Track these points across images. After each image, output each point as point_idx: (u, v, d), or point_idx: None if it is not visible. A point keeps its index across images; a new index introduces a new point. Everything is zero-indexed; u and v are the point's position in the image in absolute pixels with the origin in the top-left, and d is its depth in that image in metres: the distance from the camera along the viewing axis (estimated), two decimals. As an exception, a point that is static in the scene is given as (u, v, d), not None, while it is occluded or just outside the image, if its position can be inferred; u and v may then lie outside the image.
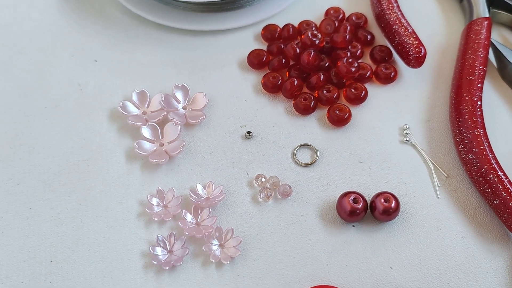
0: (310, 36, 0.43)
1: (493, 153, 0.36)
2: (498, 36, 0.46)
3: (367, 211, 0.36)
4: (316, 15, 0.47)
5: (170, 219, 0.36)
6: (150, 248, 0.35)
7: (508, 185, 0.35)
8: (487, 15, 0.44)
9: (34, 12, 0.47)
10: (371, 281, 0.34)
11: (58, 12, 0.47)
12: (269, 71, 0.43)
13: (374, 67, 0.44)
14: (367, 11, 0.47)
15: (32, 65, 0.44)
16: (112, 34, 0.46)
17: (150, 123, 0.40)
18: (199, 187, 0.37)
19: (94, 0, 0.48)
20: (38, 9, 0.47)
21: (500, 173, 0.35)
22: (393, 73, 0.43)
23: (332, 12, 0.47)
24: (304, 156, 0.39)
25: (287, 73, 0.43)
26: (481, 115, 0.38)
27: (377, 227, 0.36)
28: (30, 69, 0.44)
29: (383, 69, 0.43)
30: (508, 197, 0.34)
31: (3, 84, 0.43)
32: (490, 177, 0.35)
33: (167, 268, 0.34)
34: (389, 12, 0.44)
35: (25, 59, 0.44)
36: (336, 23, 0.45)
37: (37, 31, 0.46)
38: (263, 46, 0.45)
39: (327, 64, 0.43)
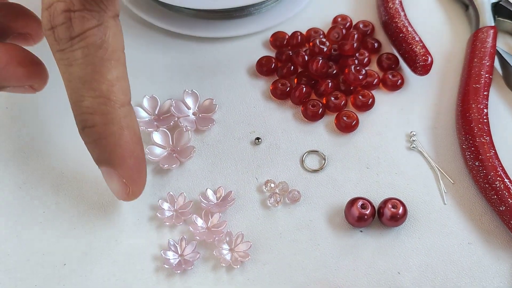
0: (318, 44, 0.44)
1: (499, 160, 0.37)
2: (503, 44, 0.46)
3: (375, 216, 0.37)
4: (324, 23, 0.48)
5: (181, 223, 0.37)
6: (162, 252, 0.35)
7: (514, 192, 0.36)
8: (493, 24, 0.45)
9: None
10: (379, 286, 0.35)
11: (70, 18, 0.48)
12: (277, 78, 0.44)
13: (381, 74, 0.44)
14: (374, 19, 0.48)
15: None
16: (123, 40, 0.47)
17: (161, 129, 0.40)
18: (210, 192, 0.38)
19: (105, 7, 0.49)
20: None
21: (506, 180, 0.36)
22: (400, 81, 0.43)
23: (339, 20, 0.47)
24: (313, 162, 0.40)
25: (296, 80, 0.44)
26: (487, 122, 0.39)
27: (385, 233, 0.37)
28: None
29: (390, 77, 0.43)
30: (514, 204, 0.35)
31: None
32: (496, 184, 0.36)
33: (178, 271, 0.35)
34: (396, 20, 0.45)
35: (37, 65, 0.45)
36: (344, 31, 0.46)
37: (45, 38, 0.47)
38: (272, 53, 0.46)
39: (335, 71, 0.44)
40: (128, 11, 0.48)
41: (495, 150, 0.38)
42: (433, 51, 0.44)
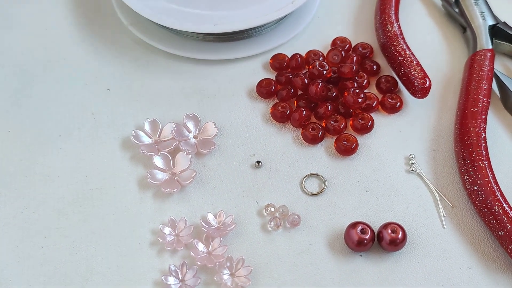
0: (318, 67, 0.44)
1: (497, 185, 0.37)
2: (501, 66, 0.47)
3: (375, 241, 0.37)
4: (323, 45, 0.48)
5: (182, 248, 0.37)
6: (163, 277, 0.35)
7: (513, 217, 0.36)
8: (490, 46, 0.45)
9: (49, 42, 0.48)
10: (379, 311, 0.35)
11: (72, 41, 0.48)
12: (277, 101, 0.44)
13: (380, 96, 0.45)
14: (373, 41, 0.48)
15: (46, 94, 0.45)
16: (124, 63, 0.47)
17: (162, 152, 0.41)
18: (210, 217, 0.38)
19: (107, 30, 0.49)
20: (53, 39, 0.49)
21: (505, 205, 0.36)
22: (398, 103, 0.44)
23: (338, 42, 0.48)
24: (312, 185, 0.40)
25: (296, 102, 0.44)
26: (486, 146, 0.39)
27: (385, 257, 0.37)
28: (44, 98, 0.45)
29: (389, 99, 0.44)
30: (512, 229, 0.35)
31: (18, 113, 0.44)
32: (495, 209, 0.36)
33: (179, 297, 0.35)
34: (394, 43, 0.45)
35: (39, 88, 0.45)
36: (343, 53, 0.46)
37: (51, 60, 0.47)
38: (272, 75, 0.46)
39: (334, 94, 0.44)
40: (129, 33, 0.49)
41: (493, 174, 0.38)
42: (431, 73, 0.44)
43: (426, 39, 0.49)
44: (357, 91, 0.43)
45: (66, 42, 0.48)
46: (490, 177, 0.37)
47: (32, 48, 0.48)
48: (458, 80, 0.46)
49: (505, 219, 0.36)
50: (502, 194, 0.37)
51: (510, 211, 0.36)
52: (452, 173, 0.41)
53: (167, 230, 0.38)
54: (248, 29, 0.46)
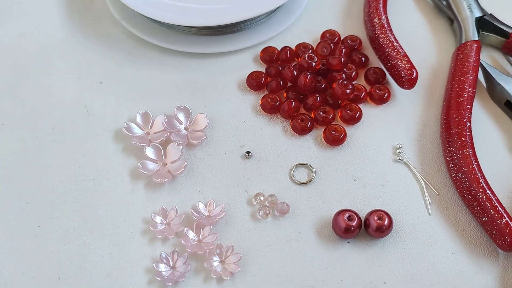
0: (307, 59, 0.45)
1: (481, 172, 0.38)
2: (487, 57, 0.47)
3: (362, 228, 0.38)
4: (312, 38, 0.49)
5: (173, 236, 0.38)
6: (154, 264, 0.36)
7: (496, 203, 0.37)
8: (477, 38, 0.46)
9: (42, 36, 0.49)
10: (366, 296, 0.36)
11: (65, 36, 0.49)
12: (267, 93, 0.45)
13: (368, 88, 0.45)
14: (362, 34, 0.49)
15: (39, 88, 0.46)
16: (116, 57, 0.48)
17: (153, 143, 0.41)
18: (201, 206, 0.39)
19: (99, 24, 0.50)
20: (45, 33, 0.49)
21: (488, 191, 0.37)
22: (386, 94, 0.45)
23: (328, 35, 0.49)
24: (301, 174, 0.41)
25: (285, 94, 0.45)
26: (470, 135, 0.40)
27: (371, 244, 0.38)
28: (38, 91, 0.46)
29: (377, 90, 0.45)
30: (496, 215, 0.36)
31: (12, 106, 0.45)
32: (479, 196, 0.37)
33: (170, 284, 0.36)
34: (382, 35, 0.46)
35: (33, 82, 0.46)
36: (332, 46, 0.47)
37: (44, 55, 0.48)
38: (262, 67, 0.47)
39: (323, 86, 0.45)
40: (121, 28, 0.49)
41: (477, 162, 0.39)
42: (419, 65, 0.45)
43: (414, 32, 0.50)
44: (345, 82, 0.43)
45: (59, 36, 0.49)
46: (474, 165, 0.38)
47: (25, 42, 0.49)
48: (445, 72, 0.47)
49: (489, 205, 0.36)
50: (486, 181, 0.38)
51: (494, 197, 0.37)
52: (438, 162, 0.41)
53: (158, 219, 0.38)
54: (239, 22, 0.47)
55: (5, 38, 0.49)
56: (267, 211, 0.39)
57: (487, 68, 0.45)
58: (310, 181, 0.41)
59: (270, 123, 0.44)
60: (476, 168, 0.38)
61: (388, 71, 0.45)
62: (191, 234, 0.38)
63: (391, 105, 0.45)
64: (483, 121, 0.44)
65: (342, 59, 0.45)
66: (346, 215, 0.37)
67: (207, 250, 0.37)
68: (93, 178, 0.41)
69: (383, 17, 0.47)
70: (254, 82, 0.45)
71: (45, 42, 0.49)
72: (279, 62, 0.47)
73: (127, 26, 0.48)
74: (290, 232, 0.38)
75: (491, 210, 0.36)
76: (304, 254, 0.37)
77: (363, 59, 0.47)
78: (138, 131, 0.42)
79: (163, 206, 0.39)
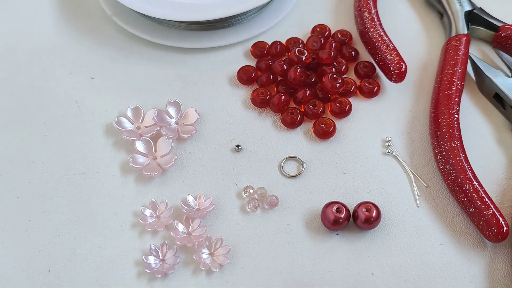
0: (297, 53, 0.45)
1: (469, 164, 0.38)
2: (477, 51, 0.48)
3: (350, 220, 0.38)
4: (303, 32, 0.49)
5: (162, 229, 0.38)
6: (143, 257, 0.36)
7: (483, 195, 0.37)
8: (466, 32, 0.46)
9: (34, 32, 0.49)
10: (354, 286, 0.36)
11: (56, 32, 0.49)
12: (257, 87, 0.45)
13: (358, 82, 0.46)
14: (352, 29, 0.49)
15: (31, 83, 0.46)
16: (107, 52, 0.48)
17: (144, 137, 0.42)
18: (190, 199, 0.39)
19: (90, 20, 0.50)
20: (37, 29, 0.50)
21: (475, 183, 0.37)
22: (376, 88, 0.45)
23: (318, 29, 0.49)
24: (291, 168, 0.41)
25: (275, 88, 0.45)
26: (458, 128, 0.40)
27: (360, 235, 0.38)
28: (29, 87, 0.46)
29: (366, 84, 0.45)
30: (483, 206, 0.36)
31: (4, 101, 0.45)
32: (466, 187, 0.37)
33: (160, 276, 0.36)
34: (371, 29, 0.46)
35: (24, 77, 0.46)
36: (322, 40, 0.47)
37: (36, 50, 0.48)
38: (252, 62, 0.47)
39: (313, 80, 0.45)
40: (112, 23, 0.49)
41: (465, 154, 0.39)
42: (409, 59, 0.45)
43: (404, 26, 0.50)
44: (334, 76, 0.44)
45: (50, 32, 0.49)
46: (462, 157, 0.38)
47: (17, 38, 0.49)
48: (435, 65, 0.47)
49: (475, 196, 0.37)
50: (473, 172, 0.38)
51: (480, 188, 0.37)
52: (427, 155, 0.42)
53: (148, 212, 0.38)
54: (230, 17, 0.47)
55: (-3, 34, 0.49)
56: (257, 204, 0.39)
57: (476, 62, 0.45)
58: (299, 174, 0.41)
59: (260, 117, 0.44)
60: (463, 160, 0.38)
61: (377, 64, 0.45)
62: (181, 227, 0.38)
63: (381, 98, 0.45)
64: (472, 114, 0.44)
65: (332, 53, 0.45)
66: (335, 207, 0.37)
67: (196, 243, 0.37)
68: (83, 172, 0.41)
69: (373, 11, 0.48)
70: (244, 76, 0.46)
71: (37, 38, 0.49)
72: (269, 57, 0.47)
73: (118, 22, 0.48)
74: (279, 225, 0.38)
75: (478, 201, 0.37)
76: (293, 246, 0.38)
77: (353, 53, 0.47)
78: (128, 126, 0.43)
79: (153, 200, 0.39)
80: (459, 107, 0.41)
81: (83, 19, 0.50)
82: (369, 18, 0.47)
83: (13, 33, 0.49)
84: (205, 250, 0.37)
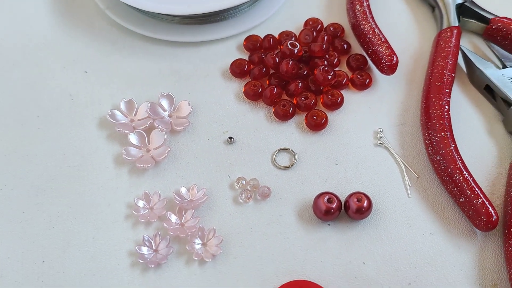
0: (289, 46, 0.45)
1: (459, 154, 0.39)
2: (468, 43, 0.48)
3: (341, 210, 0.38)
4: (295, 26, 0.50)
5: (155, 220, 0.38)
6: (137, 247, 0.37)
7: (473, 184, 0.37)
8: (457, 24, 0.47)
9: (27, 27, 0.50)
10: (345, 276, 0.36)
11: (50, 26, 0.50)
12: (250, 80, 0.46)
13: (350, 74, 0.46)
14: (344, 22, 0.49)
15: (25, 77, 0.46)
16: (101, 46, 0.48)
17: (137, 130, 0.42)
18: (183, 190, 0.39)
19: (84, 14, 0.50)
20: (31, 24, 0.50)
21: (465, 172, 0.38)
22: (368, 80, 0.45)
23: (310, 22, 0.49)
24: (283, 159, 0.42)
25: (268, 81, 0.46)
26: (449, 118, 0.40)
27: (351, 225, 0.38)
28: (23, 81, 0.46)
29: (358, 76, 0.45)
30: (472, 195, 0.37)
31: (-3, 95, 0.45)
32: (456, 177, 0.38)
33: (153, 266, 0.36)
34: (363, 22, 0.46)
35: (19, 72, 0.47)
36: (315, 33, 0.48)
37: (30, 45, 0.48)
38: (245, 56, 0.48)
39: (305, 72, 0.45)
40: (106, 17, 0.50)
41: (455, 144, 0.39)
42: (400, 51, 0.46)
43: (396, 19, 0.50)
44: (326, 68, 0.44)
45: (44, 26, 0.50)
46: (452, 147, 0.39)
47: (11, 32, 0.49)
48: (426, 58, 0.47)
49: (465, 186, 0.37)
50: (463, 162, 0.38)
51: (470, 178, 0.37)
52: (418, 146, 0.42)
53: (141, 203, 0.39)
54: (222, 11, 0.47)
55: (-9, 29, 0.50)
56: (249, 195, 0.39)
57: (467, 54, 0.45)
58: (291, 166, 0.41)
59: (253, 110, 0.44)
60: (453, 150, 0.39)
61: (369, 57, 0.46)
62: (174, 218, 0.38)
63: (373, 91, 0.45)
64: (463, 106, 0.44)
65: (324, 46, 0.45)
66: (326, 197, 0.38)
67: (189, 233, 0.37)
68: (77, 164, 0.41)
69: (365, 4, 0.48)
70: (237, 69, 0.46)
71: (30, 32, 0.49)
72: (262, 50, 0.48)
73: (111, 16, 0.49)
74: (272, 215, 0.39)
75: (467, 191, 0.37)
76: (285, 237, 0.38)
77: (345, 46, 0.47)
78: (122, 118, 0.43)
79: (146, 191, 0.39)
80: (449, 98, 0.42)
81: (76, 13, 0.50)
82: (361, 11, 0.47)
83: (7, 28, 0.50)
84: (198, 241, 0.37)
